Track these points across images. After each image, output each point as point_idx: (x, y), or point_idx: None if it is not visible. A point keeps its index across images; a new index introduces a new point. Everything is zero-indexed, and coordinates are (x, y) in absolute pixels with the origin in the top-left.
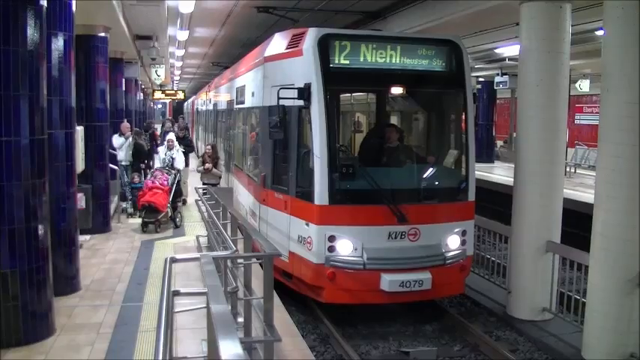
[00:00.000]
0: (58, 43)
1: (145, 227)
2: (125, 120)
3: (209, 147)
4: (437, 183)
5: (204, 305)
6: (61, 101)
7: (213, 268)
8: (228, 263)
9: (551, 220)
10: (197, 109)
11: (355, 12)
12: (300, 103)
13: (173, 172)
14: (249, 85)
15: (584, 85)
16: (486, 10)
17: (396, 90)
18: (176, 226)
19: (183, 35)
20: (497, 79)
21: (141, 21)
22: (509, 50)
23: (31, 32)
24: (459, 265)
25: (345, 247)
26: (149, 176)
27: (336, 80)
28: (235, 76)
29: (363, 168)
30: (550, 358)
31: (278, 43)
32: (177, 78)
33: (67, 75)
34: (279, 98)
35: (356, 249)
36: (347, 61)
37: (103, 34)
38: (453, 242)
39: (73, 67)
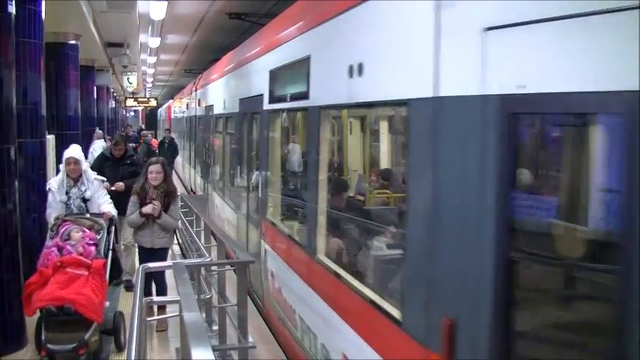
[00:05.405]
0: (27, 51)
1: None
2: (97, 128)
3: (157, 167)
4: None
5: (178, 313)
6: (31, 110)
7: (186, 277)
8: (202, 271)
9: None
10: (175, 116)
11: None
12: None
13: (101, 222)
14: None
15: None
16: None
17: None
18: (119, 348)
19: (154, 42)
20: None
21: (112, 28)
22: None
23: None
24: None
25: None
26: (50, 235)
27: None
28: (251, 58)
29: None
30: None
31: None
32: (150, 85)
33: (37, 83)
34: None
35: None
36: None
37: (73, 42)
38: None
39: (43, 75)
